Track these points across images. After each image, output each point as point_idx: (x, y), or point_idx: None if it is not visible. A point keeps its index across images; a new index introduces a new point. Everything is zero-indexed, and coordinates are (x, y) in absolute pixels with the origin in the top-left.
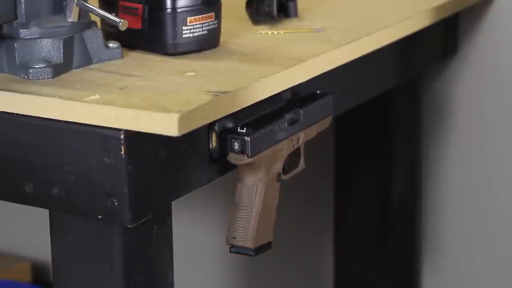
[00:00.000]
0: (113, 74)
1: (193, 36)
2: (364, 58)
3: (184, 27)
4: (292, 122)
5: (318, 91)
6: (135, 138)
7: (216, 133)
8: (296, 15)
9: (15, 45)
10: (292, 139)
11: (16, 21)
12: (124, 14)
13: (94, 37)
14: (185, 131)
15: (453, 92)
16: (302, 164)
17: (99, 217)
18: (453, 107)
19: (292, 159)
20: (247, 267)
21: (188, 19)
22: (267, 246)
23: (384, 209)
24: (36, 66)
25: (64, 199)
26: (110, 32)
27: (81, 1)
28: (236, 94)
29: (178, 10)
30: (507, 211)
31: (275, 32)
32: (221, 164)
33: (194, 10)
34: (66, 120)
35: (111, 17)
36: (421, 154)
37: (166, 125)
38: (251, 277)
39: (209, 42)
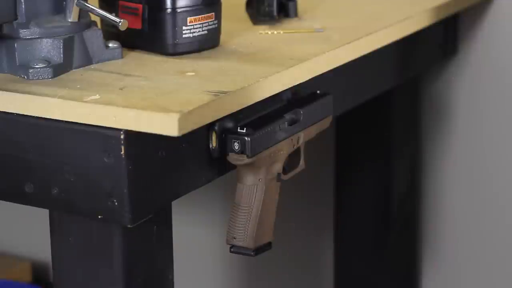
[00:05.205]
0: (113, 74)
1: (193, 36)
2: (364, 58)
3: (184, 27)
4: (292, 122)
5: (318, 91)
6: (135, 138)
7: (216, 133)
8: (296, 15)
9: (15, 45)
10: (292, 139)
11: (16, 21)
12: (124, 14)
13: (94, 37)
14: (185, 131)
15: (453, 92)
16: (302, 164)
17: (99, 217)
18: (453, 107)
19: (292, 159)
20: (247, 267)
21: (188, 19)
22: (267, 246)
23: (384, 209)
24: (36, 66)
25: (64, 199)
26: (110, 32)
27: (81, 1)
28: (236, 94)
29: (178, 10)
30: (507, 211)
31: (275, 32)
32: (221, 164)
33: (194, 10)
34: (66, 120)
35: (111, 17)
36: (421, 154)
37: (166, 125)
38: (251, 277)
39: (209, 42)
